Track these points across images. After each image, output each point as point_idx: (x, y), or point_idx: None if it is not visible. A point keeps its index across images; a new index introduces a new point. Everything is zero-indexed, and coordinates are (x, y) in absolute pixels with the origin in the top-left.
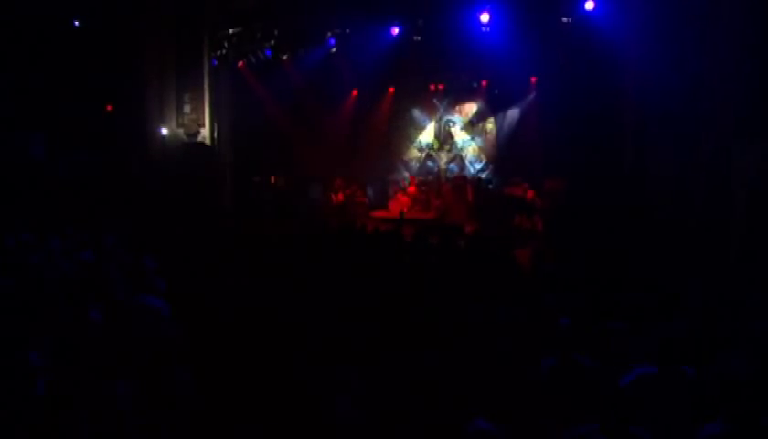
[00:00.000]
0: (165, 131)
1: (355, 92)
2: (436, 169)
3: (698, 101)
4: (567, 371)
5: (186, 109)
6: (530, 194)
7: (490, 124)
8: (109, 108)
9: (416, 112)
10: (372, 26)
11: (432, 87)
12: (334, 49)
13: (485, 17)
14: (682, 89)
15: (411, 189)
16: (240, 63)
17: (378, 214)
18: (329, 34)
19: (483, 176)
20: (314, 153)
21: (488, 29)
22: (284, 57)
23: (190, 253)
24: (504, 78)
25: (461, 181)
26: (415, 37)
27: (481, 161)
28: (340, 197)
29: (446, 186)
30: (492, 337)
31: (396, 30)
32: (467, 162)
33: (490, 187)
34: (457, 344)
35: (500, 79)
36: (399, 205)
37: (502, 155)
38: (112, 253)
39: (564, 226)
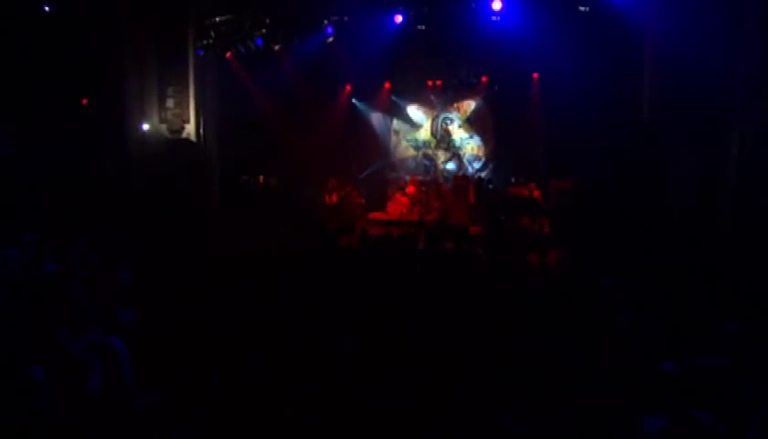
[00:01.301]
0: (146, 127)
1: (348, 88)
2: (433, 168)
3: (726, 94)
4: (685, 435)
5: (170, 103)
6: (537, 194)
7: (489, 122)
8: (84, 102)
9: (412, 109)
10: (374, 13)
11: (430, 83)
12: (331, 39)
13: (497, 5)
14: (707, 82)
15: (411, 190)
16: (228, 54)
17: (376, 216)
18: (326, 22)
19: (482, 175)
20: (306, 151)
21: (499, 18)
22: (276, 47)
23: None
24: (505, 74)
25: (462, 181)
26: (419, 26)
27: (480, 160)
28: (334, 198)
29: (446, 186)
30: (558, 383)
31: (399, 18)
32: (465, 161)
33: (490, 186)
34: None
35: (501, 75)
36: (398, 206)
37: (502, 153)
38: (81, 265)
39: (575, 227)
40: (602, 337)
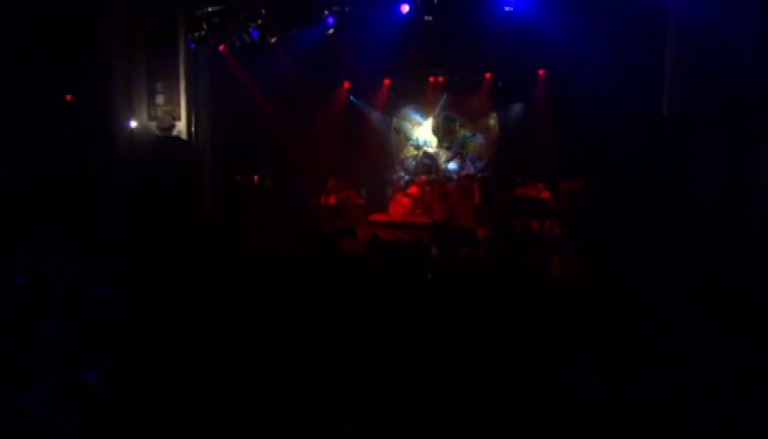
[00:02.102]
0: (133, 124)
1: (346, 85)
2: (434, 168)
3: (760, 86)
4: None
5: (159, 99)
6: (545, 195)
7: (492, 120)
8: (68, 98)
9: (413, 107)
10: (379, 3)
11: (432, 79)
12: (331, 31)
13: None
14: (739, 73)
15: (413, 190)
16: (222, 47)
17: (377, 218)
18: (327, 12)
19: (485, 175)
20: (303, 150)
21: (512, 9)
22: (273, 39)
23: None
24: (510, 70)
25: (467, 181)
26: (426, 17)
27: (482, 159)
28: (332, 199)
29: (450, 186)
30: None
31: (406, 7)
32: (468, 160)
33: (494, 186)
34: None
35: (505, 71)
36: (400, 207)
37: (505, 153)
38: (57, 277)
39: (591, 231)
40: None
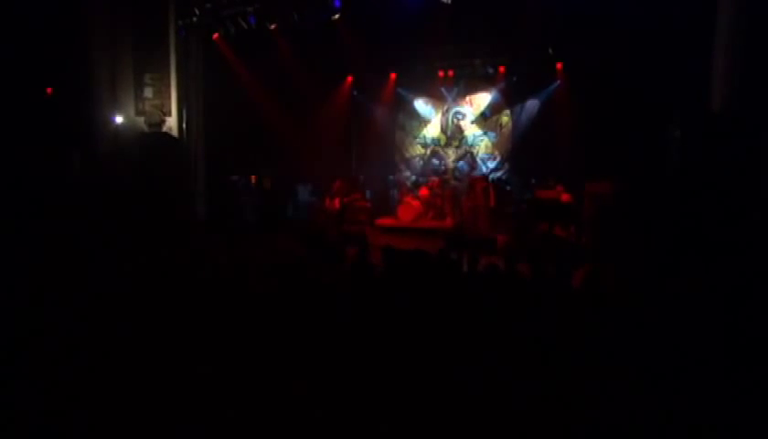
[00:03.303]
0: (119, 119)
1: (350, 79)
2: (443, 168)
3: None
4: None
5: (148, 92)
6: (567, 198)
7: (506, 117)
8: (48, 91)
9: (420, 103)
10: None
11: (441, 73)
12: (338, 16)
13: None
14: None
15: (424, 192)
16: (216, 34)
17: (385, 222)
18: None
19: (498, 175)
20: (304, 148)
21: None
22: (272, 26)
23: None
24: (526, 62)
25: (481, 182)
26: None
27: (495, 159)
28: (336, 203)
29: (462, 188)
30: None
31: None
32: (479, 159)
33: (508, 188)
34: None
35: (521, 63)
36: (410, 211)
37: (520, 152)
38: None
39: (623, 238)
40: None
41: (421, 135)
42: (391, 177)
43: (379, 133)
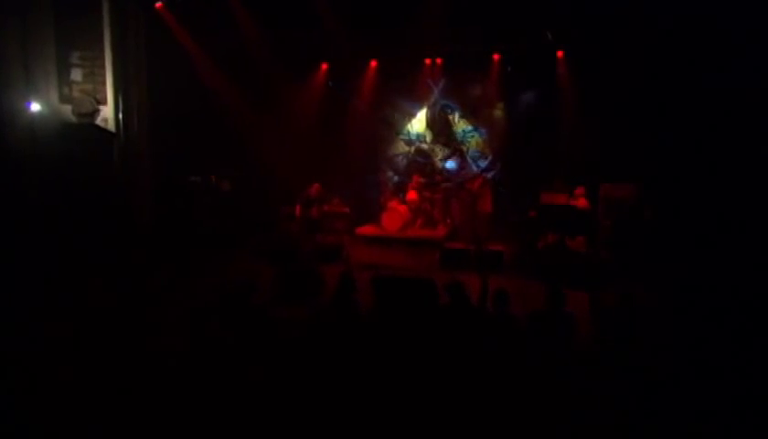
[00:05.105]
0: (36, 107)
1: (324, 66)
2: (429, 167)
3: None
4: None
5: (76, 75)
6: (583, 203)
7: (499, 111)
8: None
9: (405, 95)
10: None
11: (428, 61)
12: None
13: None
14: None
15: (411, 196)
16: (159, 3)
17: (367, 230)
18: None
19: (489, 176)
20: (272, 143)
21: None
22: None
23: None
24: (522, 51)
25: (475, 184)
26: None
27: (486, 157)
28: (313, 211)
29: (453, 190)
30: None
31: None
32: (469, 158)
33: (501, 190)
34: None
35: (517, 51)
36: (396, 218)
37: (515, 150)
38: None
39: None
40: None
41: (405, 131)
42: (371, 177)
43: (358, 127)
